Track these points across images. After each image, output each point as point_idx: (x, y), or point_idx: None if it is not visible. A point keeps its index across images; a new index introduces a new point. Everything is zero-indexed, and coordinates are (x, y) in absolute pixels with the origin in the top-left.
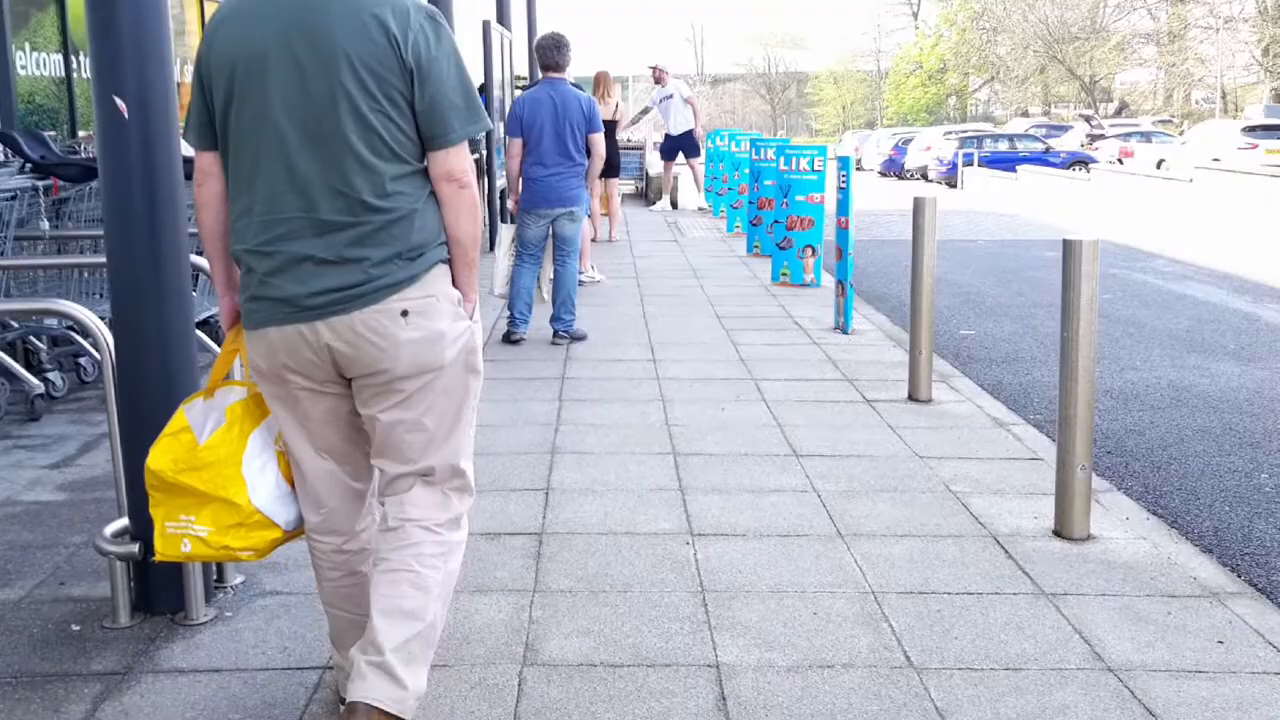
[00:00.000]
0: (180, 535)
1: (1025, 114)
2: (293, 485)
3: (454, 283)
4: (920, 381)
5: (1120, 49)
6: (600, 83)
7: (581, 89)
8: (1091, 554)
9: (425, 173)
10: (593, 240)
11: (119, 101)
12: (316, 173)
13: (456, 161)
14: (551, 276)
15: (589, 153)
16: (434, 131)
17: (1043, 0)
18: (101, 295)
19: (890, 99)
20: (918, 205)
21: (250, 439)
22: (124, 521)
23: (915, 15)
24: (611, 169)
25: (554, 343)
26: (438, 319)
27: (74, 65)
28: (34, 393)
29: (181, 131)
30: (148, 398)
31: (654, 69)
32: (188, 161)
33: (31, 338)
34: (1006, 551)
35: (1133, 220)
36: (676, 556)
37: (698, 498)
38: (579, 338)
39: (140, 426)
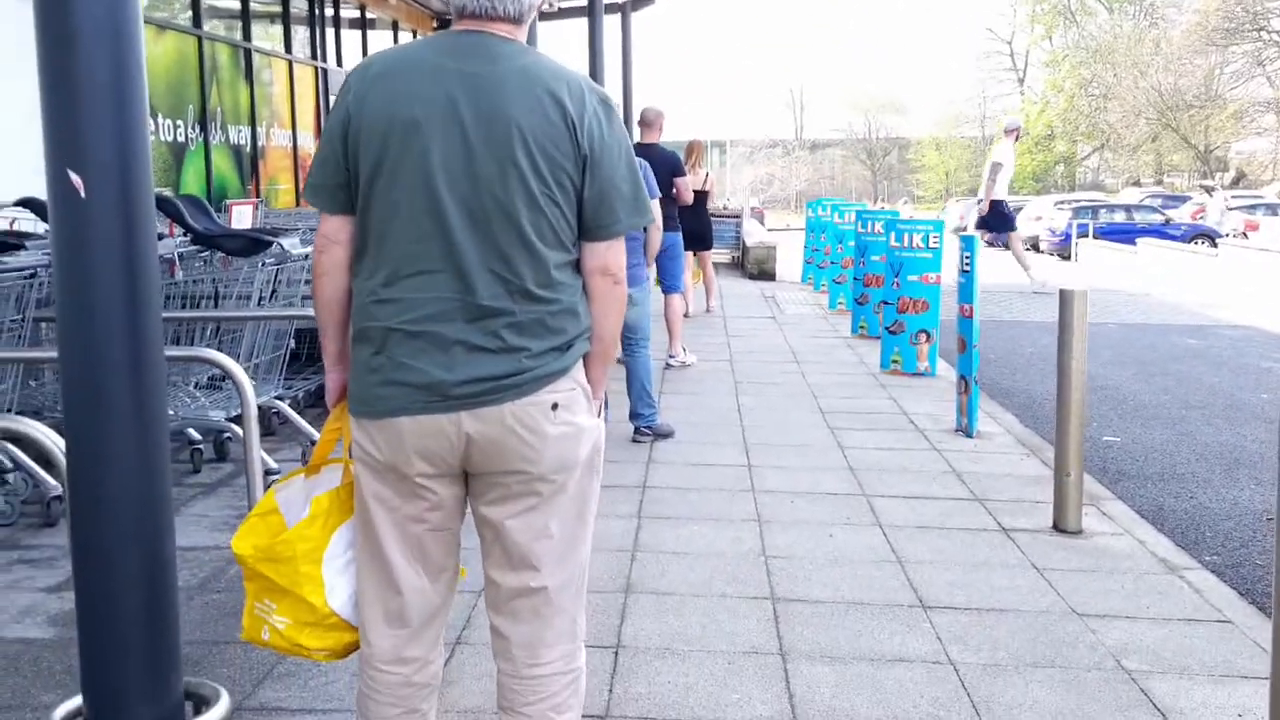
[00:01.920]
0: (263, 620)
1: (1137, 183)
2: None
3: (587, 377)
4: (1068, 509)
5: (1238, 117)
6: (692, 151)
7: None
8: None
9: (578, 262)
10: (686, 315)
11: (74, 177)
12: (477, 254)
13: (614, 255)
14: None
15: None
16: (599, 222)
17: (1155, 67)
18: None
19: None
20: (1065, 298)
21: (335, 535)
22: (77, 701)
23: (1021, 81)
24: (703, 241)
25: (635, 440)
26: (579, 413)
27: (150, 127)
28: (50, 494)
29: (305, 190)
30: (113, 540)
31: (1011, 130)
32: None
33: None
34: None
35: (1270, 300)
36: None
37: (802, 667)
38: (664, 434)
39: (99, 577)
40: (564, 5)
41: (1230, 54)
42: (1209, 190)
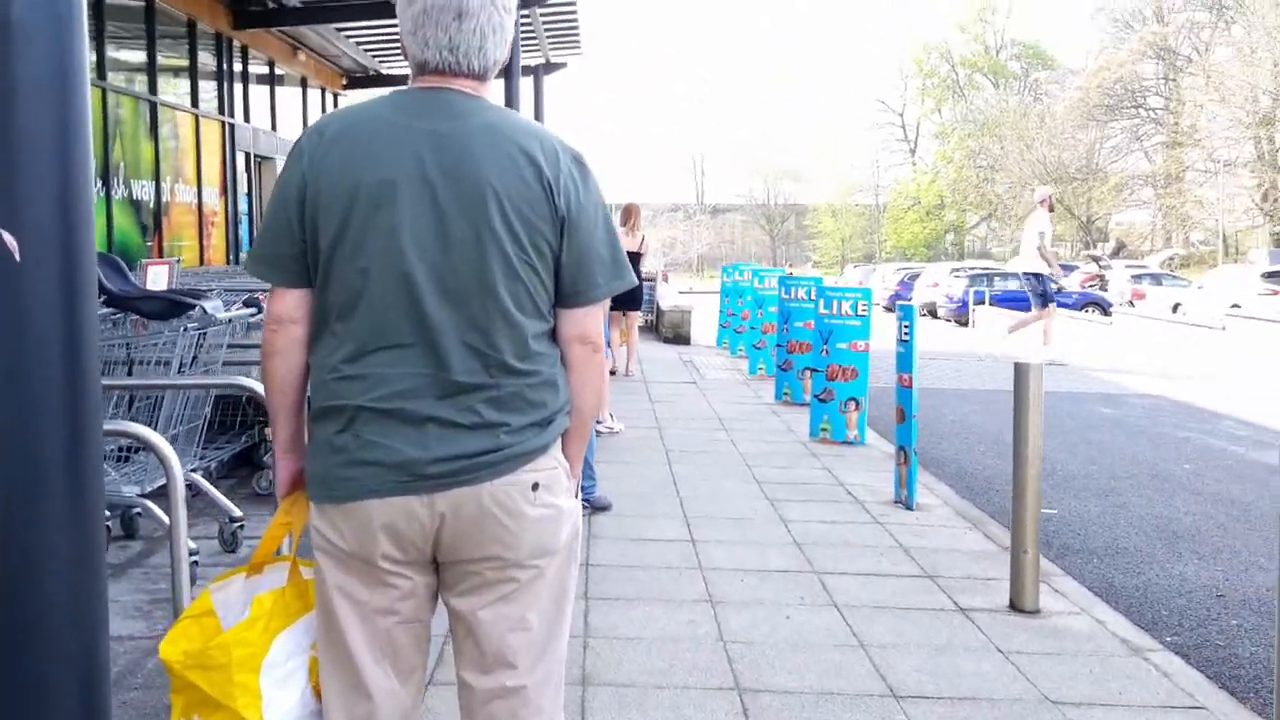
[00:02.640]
0: None
1: None
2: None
3: (564, 453)
4: (1025, 588)
5: (1118, 189)
6: (630, 214)
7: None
8: None
9: (554, 331)
10: (611, 373)
11: (7, 238)
12: (452, 326)
13: (593, 322)
14: None
15: None
16: (578, 287)
17: (1040, 141)
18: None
19: (889, 233)
20: (1020, 373)
21: (277, 641)
22: None
23: (913, 152)
24: (633, 302)
25: None
26: (560, 494)
27: None
28: None
29: (248, 264)
30: (44, 641)
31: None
32: None
33: None
34: None
35: (1170, 368)
36: None
37: None
38: (602, 507)
39: (26, 693)
40: None
41: (1110, 129)
42: (1096, 260)
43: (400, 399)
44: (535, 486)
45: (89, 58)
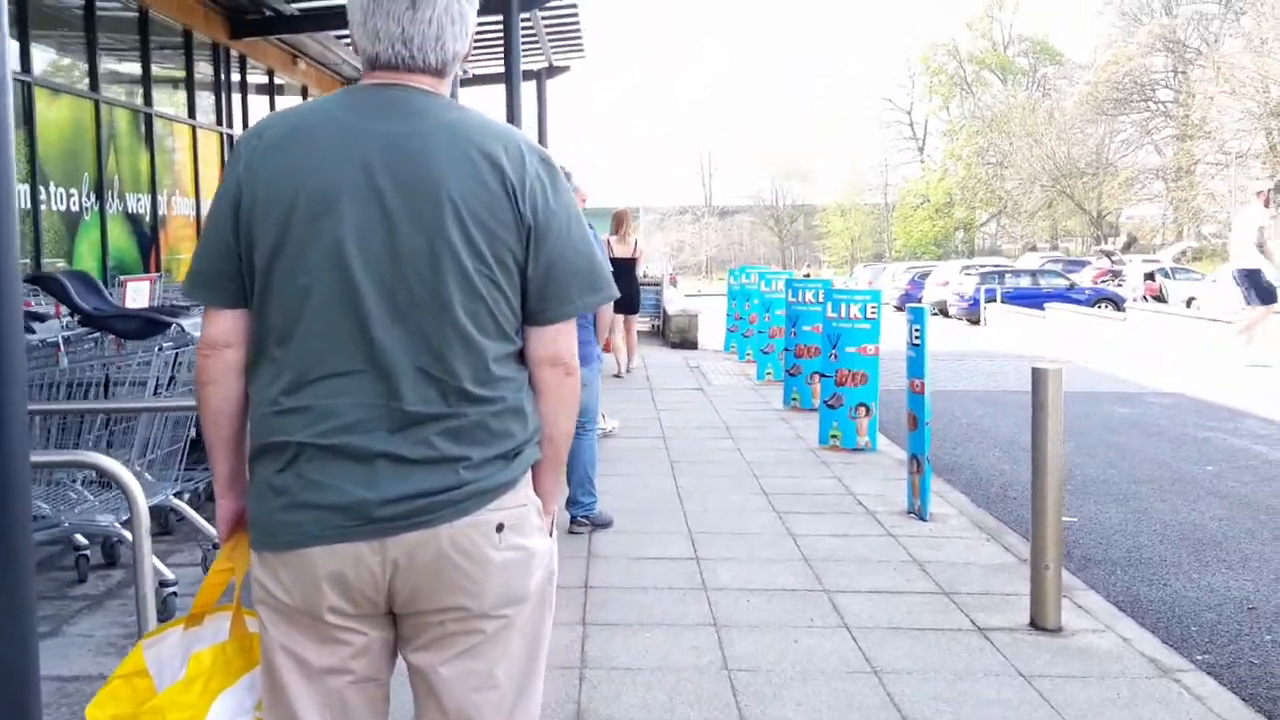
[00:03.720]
0: None
1: (1034, 248)
2: None
3: (536, 488)
4: (1047, 605)
5: (1128, 184)
6: (621, 221)
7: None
8: None
9: (522, 352)
10: (615, 376)
11: None
12: (403, 350)
13: (566, 342)
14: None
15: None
16: (547, 303)
17: (1049, 136)
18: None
19: (898, 231)
20: (1039, 378)
21: (216, 703)
22: None
23: (921, 150)
24: (630, 306)
25: (572, 532)
26: (530, 534)
27: (41, 195)
28: None
29: (185, 282)
30: None
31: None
32: None
33: None
34: None
35: (1186, 366)
36: None
37: None
38: (602, 524)
39: None
40: (479, 72)
41: (1119, 123)
42: (1109, 255)
43: (346, 433)
44: (500, 528)
45: (9, 50)
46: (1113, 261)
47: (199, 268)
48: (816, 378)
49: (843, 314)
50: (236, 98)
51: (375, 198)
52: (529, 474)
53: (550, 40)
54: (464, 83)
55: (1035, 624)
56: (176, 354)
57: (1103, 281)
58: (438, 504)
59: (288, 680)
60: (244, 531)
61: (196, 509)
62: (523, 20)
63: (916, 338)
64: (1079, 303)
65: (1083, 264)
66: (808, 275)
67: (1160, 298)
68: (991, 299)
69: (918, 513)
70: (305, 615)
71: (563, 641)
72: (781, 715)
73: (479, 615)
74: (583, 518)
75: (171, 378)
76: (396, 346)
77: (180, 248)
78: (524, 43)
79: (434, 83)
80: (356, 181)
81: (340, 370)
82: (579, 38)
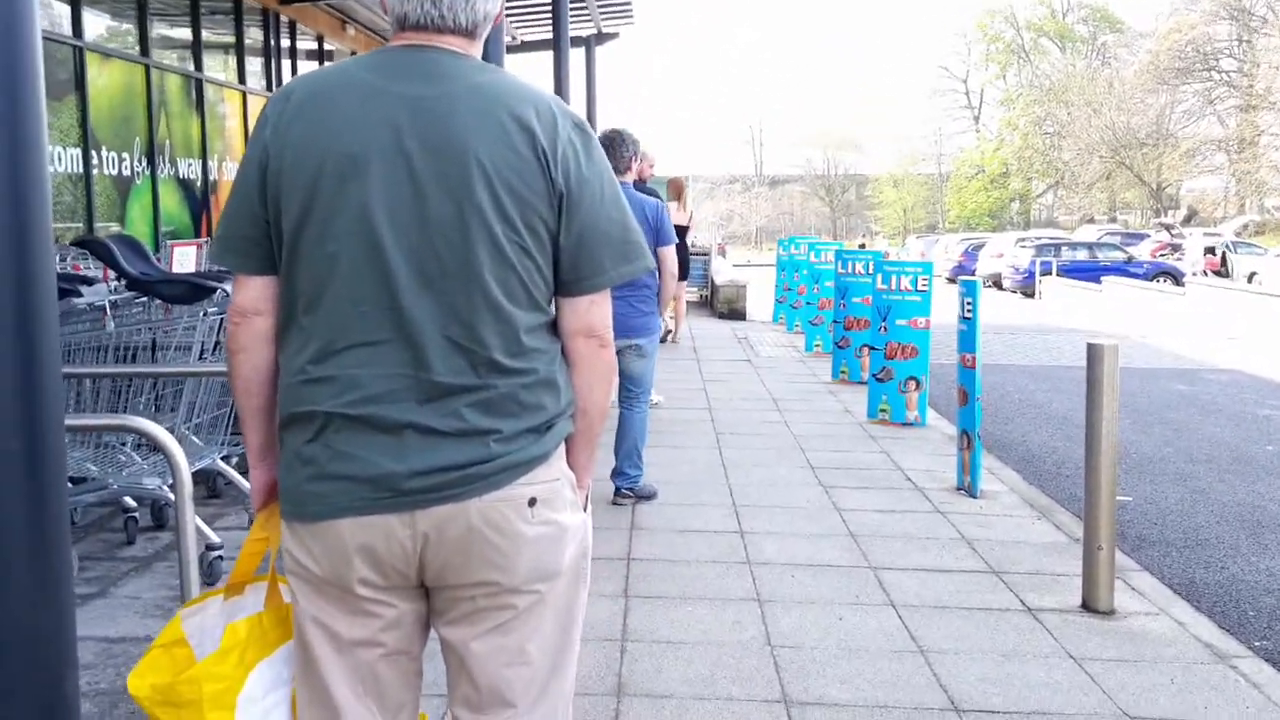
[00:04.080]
0: None
1: (1091, 220)
2: None
3: (569, 462)
4: (1099, 587)
5: (1189, 155)
6: (680, 189)
7: (656, 193)
8: None
9: (555, 323)
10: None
11: None
12: (432, 319)
13: (599, 313)
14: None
15: (660, 271)
16: (580, 273)
17: (1108, 106)
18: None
19: (952, 202)
20: (1094, 354)
21: (254, 673)
22: None
23: (977, 119)
24: (681, 272)
25: (615, 503)
26: (562, 509)
27: (93, 160)
28: None
29: (212, 247)
30: None
31: None
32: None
33: None
34: None
35: (1246, 342)
36: None
37: None
38: (646, 496)
39: None
40: (527, 38)
41: (1181, 93)
42: (1169, 228)
43: (374, 404)
44: (532, 502)
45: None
46: (1172, 235)
47: (226, 233)
48: (866, 350)
49: (893, 286)
50: (286, 63)
51: (403, 162)
52: (562, 448)
53: (599, 6)
54: (510, 49)
55: (1087, 606)
56: (221, 319)
57: (1162, 255)
58: (468, 477)
59: (319, 653)
60: (277, 502)
61: (243, 473)
62: None
63: (968, 311)
64: (1137, 277)
65: (1141, 237)
66: (862, 246)
67: (1221, 273)
68: (1047, 272)
69: (967, 489)
70: (335, 587)
71: (605, 613)
72: (824, 693)
73: (510, 590)
74: (627, 489)
75: (217, 342)
76: (425, 315)
77: None
78: (573, 8)
79: (464, 44)
80: (384, 146)
81: (367, 340)
82: (629, 3)
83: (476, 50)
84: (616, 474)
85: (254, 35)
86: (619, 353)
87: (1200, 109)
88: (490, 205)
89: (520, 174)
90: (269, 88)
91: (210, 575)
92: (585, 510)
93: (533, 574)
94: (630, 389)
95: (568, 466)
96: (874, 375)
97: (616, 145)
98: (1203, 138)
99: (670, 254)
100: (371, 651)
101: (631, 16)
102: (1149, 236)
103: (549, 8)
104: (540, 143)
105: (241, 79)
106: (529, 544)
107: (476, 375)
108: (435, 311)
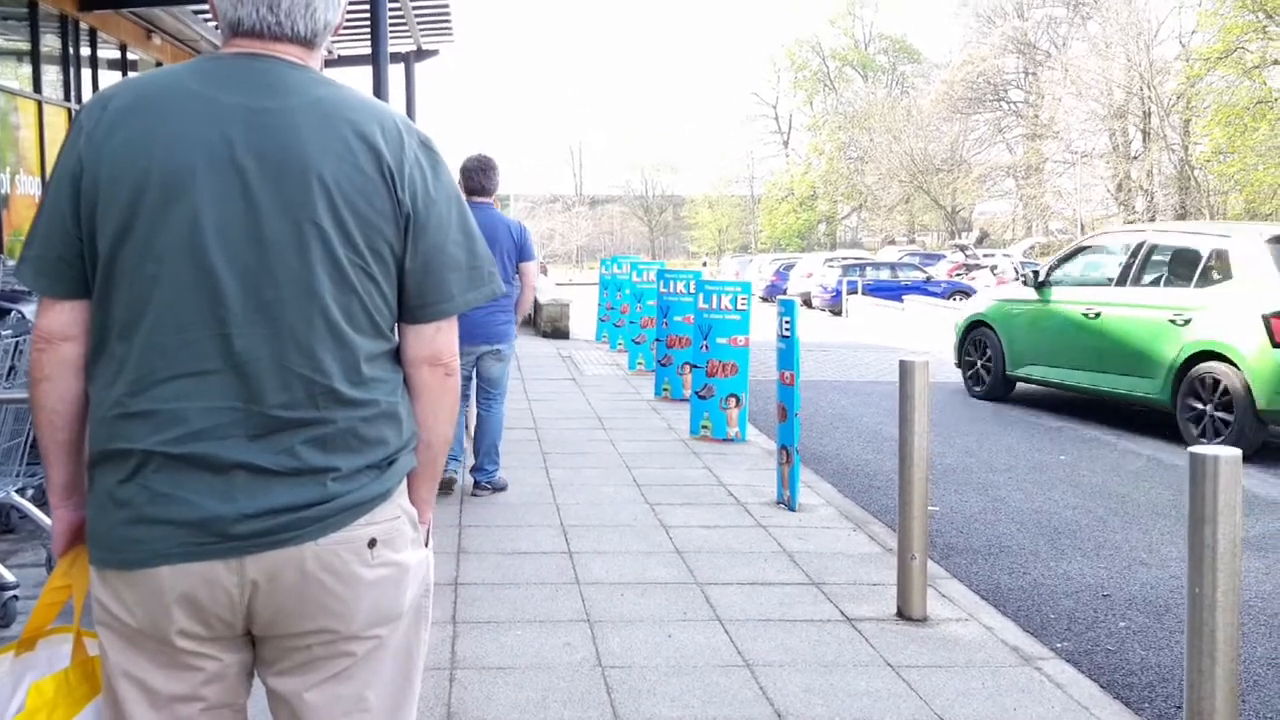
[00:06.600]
0: None
1: (893, 241)
2: None
3: (410, 497)
4: (913, 595)
5: (981, 180)
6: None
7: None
8: None
9: (397, 351)
10: None
11: None
12: (267, 345)
13: (446, 340)
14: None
15: (522, 284)
16: (426, 299)
17: (907, 133)
18: None
19: (764, 223)
20: (906, 370)
21: None
22: None
23: (786, 144)
24: None
25: (474, 495)
26: (402, 548)
27: None
28: None
29: (19, 269)
30: None
31: None
32: None
33: None
34: None
35: None
36: None
37: None
38: (500, 488)
39: None
40: (344, 53)
41: (974, 121)
42: (964, 249)
43: (199, 440)
44: (372, 543)
45: None
46: (966, 255)
47: (34, 253)
48: (688, 368)
49: (714, 305)
50: (86, 72)
51: (236, 178)
52: (404, 483)
53: (419, 22)
54: (328, 64)
55: (902, 614)
56: (17, 342)
57: (957, 275)
58: (303, 520)
59: (132, 710)
60: (83, 545)
61: (41, 507)
62: (391, 1)
63: (787, 330)
64: (935, 295)
65: (938, 258)
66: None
67: None
68: (853, 291)
69: (787, 503)
70: (151, 639)
71: (433, 641)
72: (655, 712)
73: (348, 637)
74: (485, 483)
75: (11, 367)
76: (259, 342)
77: (25, 229)
78: (391, 24)
79: (303, 54)
80: (215, 160)
81: (192, 370)
82: (448, 21)
83: (315, 61)
84: (475, 469)
85: (50, 43)
86: (479, 357)
87: (991, 137)
88: (332, 226)
89: (364, 194)
90: (67, 98)
91: (5, 617)
92: (427, 545)
93: (372, 619)
94: (489, 391)
95: (408, 502)
96: (696, 392)
97: (490, 170)
98: (993, 164)
99: (531, 269)
100: (191, 707)
101: (451, 34)
102: (945, 257)
103: (367, 22)
104: (386, 161)
105: (37, 88)
106: (368, 588)
107: (315, 407)
108: (270, 337)
